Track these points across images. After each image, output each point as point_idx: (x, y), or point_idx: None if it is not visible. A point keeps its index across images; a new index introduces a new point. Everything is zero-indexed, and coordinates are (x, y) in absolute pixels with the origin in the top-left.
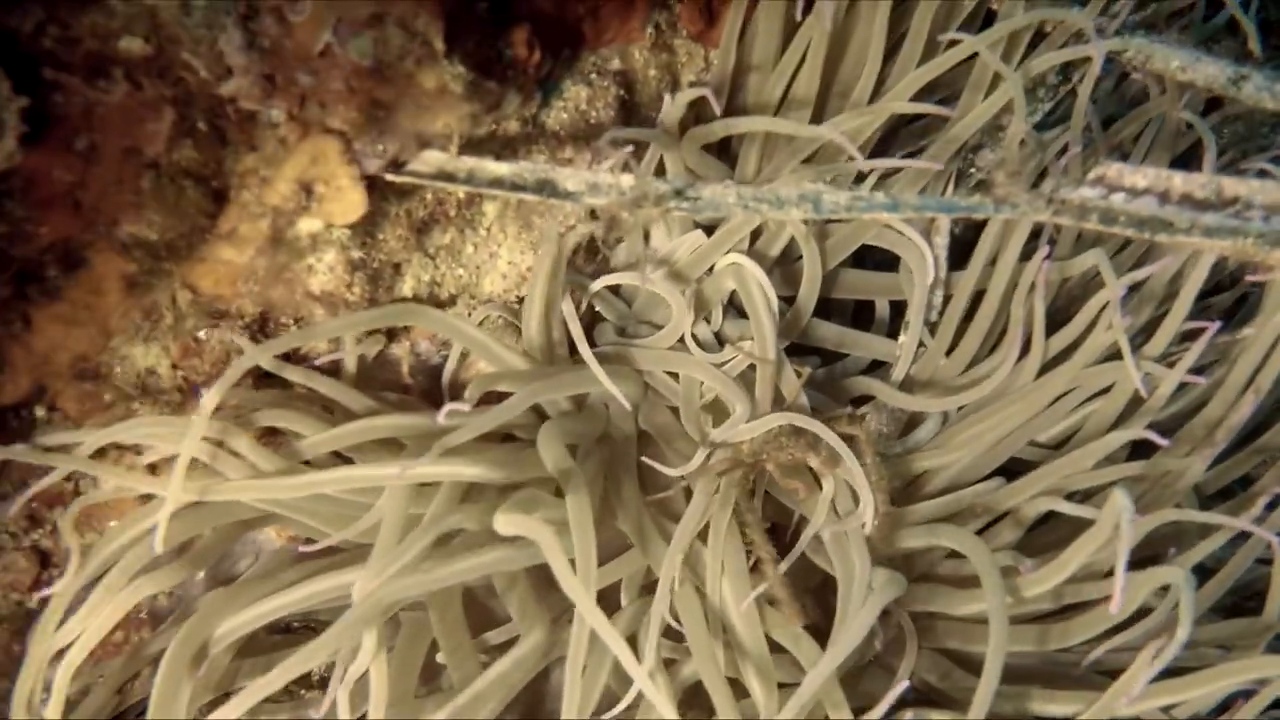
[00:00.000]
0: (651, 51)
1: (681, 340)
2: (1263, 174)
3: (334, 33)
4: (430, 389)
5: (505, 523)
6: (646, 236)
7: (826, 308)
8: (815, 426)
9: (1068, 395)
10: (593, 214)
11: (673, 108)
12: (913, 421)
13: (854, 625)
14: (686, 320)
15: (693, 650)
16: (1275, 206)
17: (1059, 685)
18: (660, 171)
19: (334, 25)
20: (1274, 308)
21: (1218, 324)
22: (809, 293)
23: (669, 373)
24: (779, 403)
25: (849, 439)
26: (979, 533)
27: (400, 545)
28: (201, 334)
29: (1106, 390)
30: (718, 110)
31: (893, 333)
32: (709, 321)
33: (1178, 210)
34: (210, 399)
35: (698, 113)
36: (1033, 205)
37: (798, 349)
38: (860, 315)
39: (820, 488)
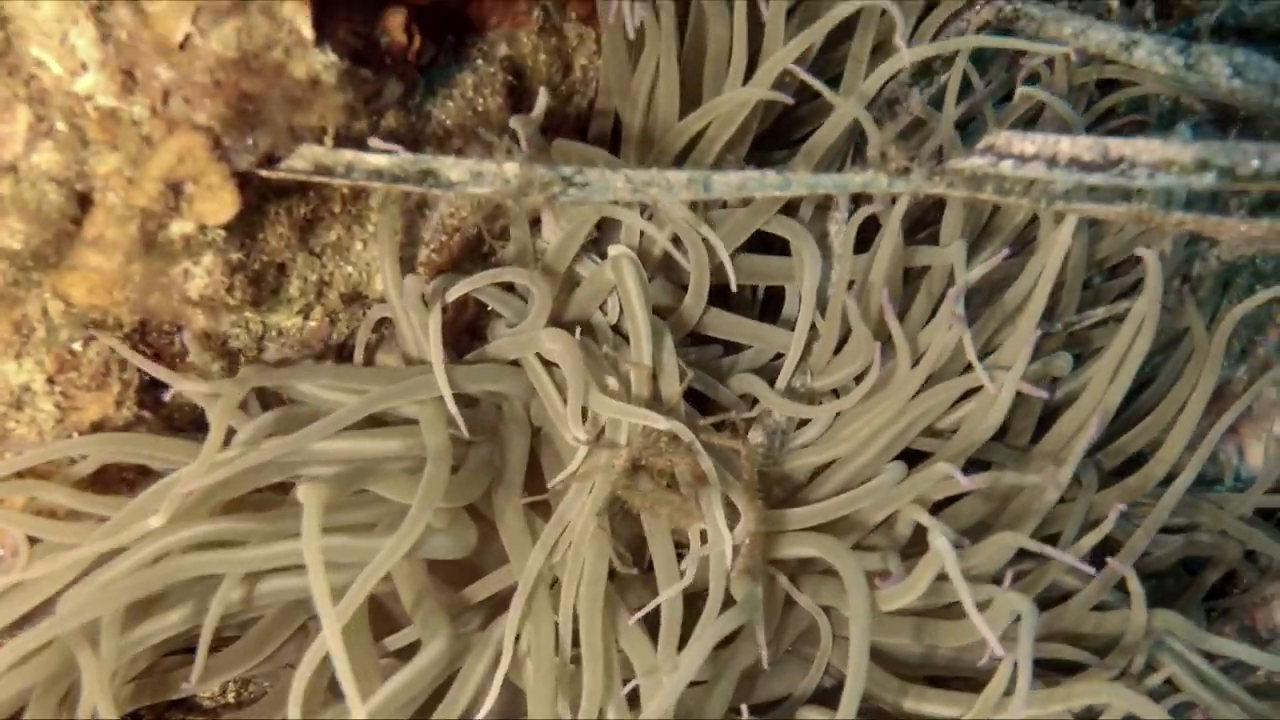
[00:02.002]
0: (540, 36)
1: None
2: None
3: (194, 22)
4: None
5: (304, 491)
6: (535, 224)
7: (731, 295)
8: (687, 436)
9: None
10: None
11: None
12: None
13: (688, 658)
14: (545, 312)
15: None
16: (1159, 164)
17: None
18: None
19: (193, 14)
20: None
21: (1039, 332)
22: (699, 284)
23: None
24: (658, 405)
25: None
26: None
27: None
28: (77, 346)
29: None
30: (540, 108)
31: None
32: (605, 313)
33: (1066, 173)
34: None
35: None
36: (926, 178)
37: (702, 338)
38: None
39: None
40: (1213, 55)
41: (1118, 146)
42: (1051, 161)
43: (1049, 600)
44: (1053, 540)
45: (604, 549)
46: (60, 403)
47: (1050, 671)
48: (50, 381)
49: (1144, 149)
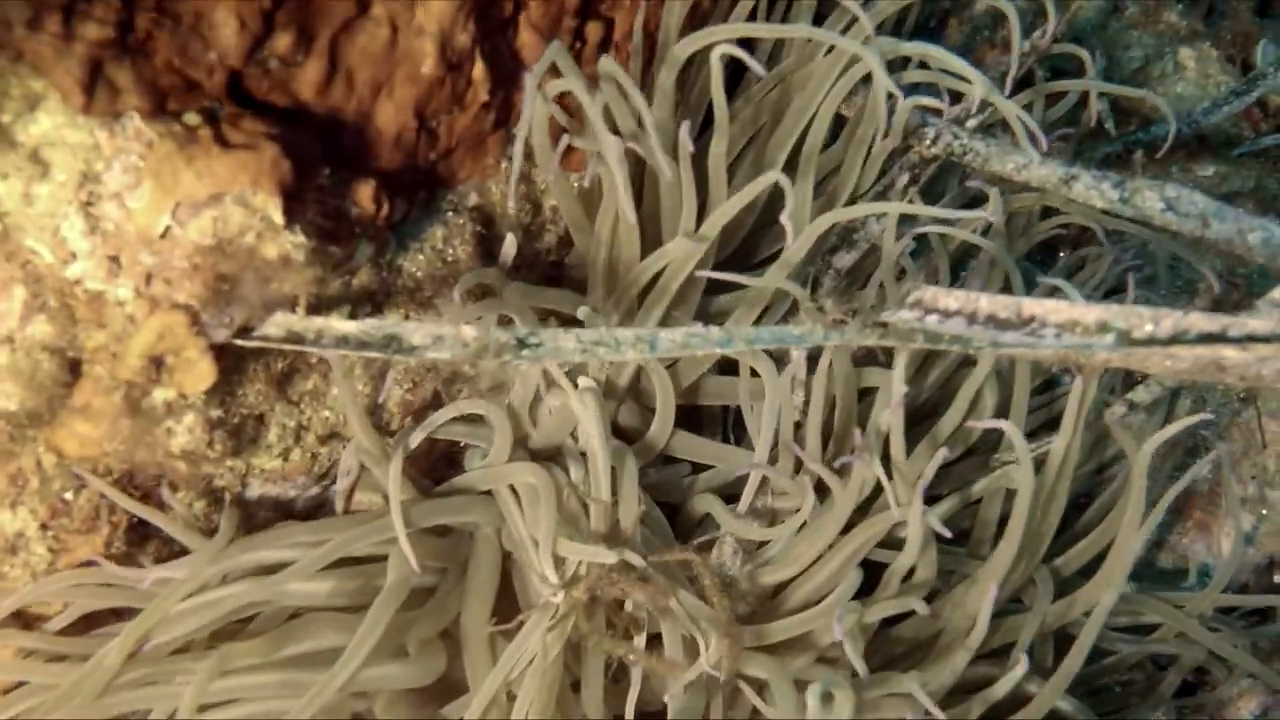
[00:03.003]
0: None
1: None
2: (1056, 291)
3: (173, 215)
4: None
5: None
6: None
7: (698, 416)
8: (639, 563)
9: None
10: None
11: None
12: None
13: None
14: (507, 445)
15: None
16: (1066, 324)
17: None
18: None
19: (173, 209)
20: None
21: (944, 451)
22: (664, 416)
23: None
24: (617, 533)
25: (684, 564)
26: None
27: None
28: (68, 495)
29: None
30: (507, 254)
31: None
32: (576, 439)
33: (983, 330)
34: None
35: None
36: (861, 331)
37: (671, 458)
38: None
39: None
40: (1146, 190)
41: (1030, 306)
42: (972, 317)
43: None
44: (1008, 648)
45: (555, 679)
46: (53, 546)
47: None
48: (43, 528)
49: (1052, 310)
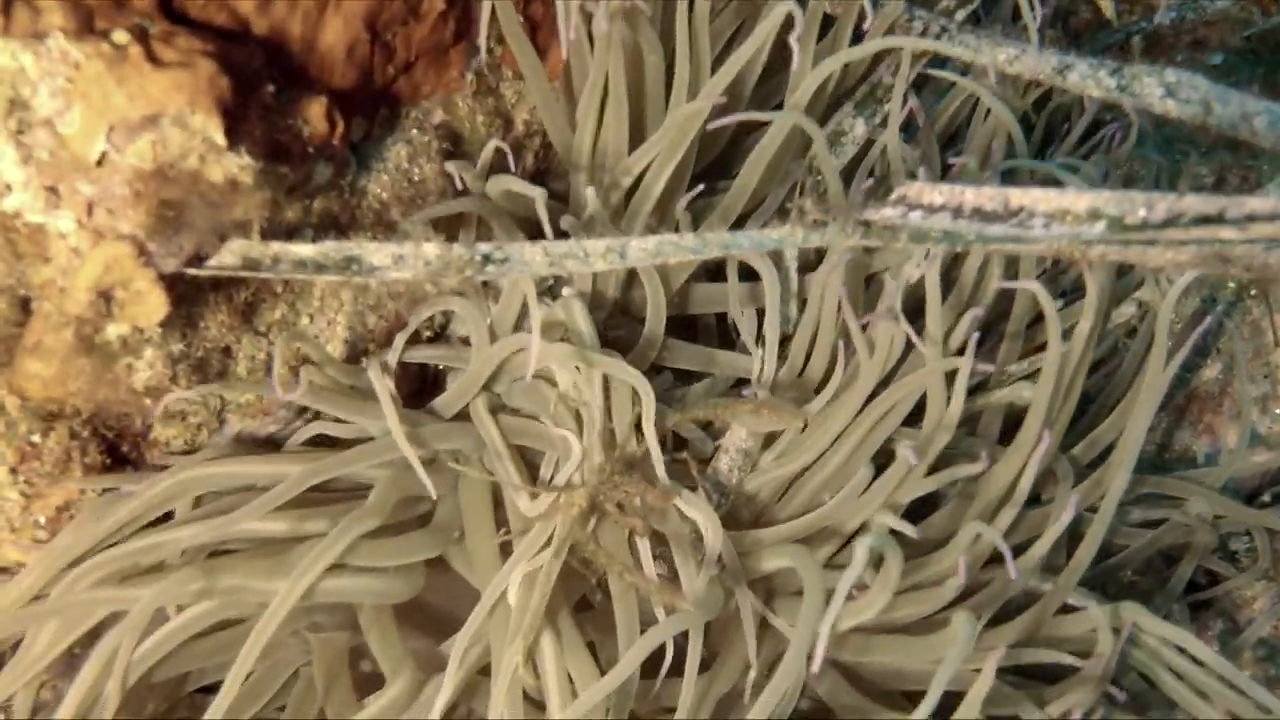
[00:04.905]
0: (476, 98)
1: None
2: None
3: (109, 140)
4: None
5: None
6: None
7: (691, 325)
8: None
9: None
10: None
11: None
12: (771, 437)
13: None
14: (483, 330)
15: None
16: (1055, 213)
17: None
18: (487, 231)
19: (107, 132)
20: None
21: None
22: (655, 320)
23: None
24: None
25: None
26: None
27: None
28: (35, 438)
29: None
30: (484, 160)
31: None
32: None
33: (969, 224)
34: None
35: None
36: (842, 229)
37: (661, 368)
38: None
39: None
40: (1145, 76)
41: (1018, 197)
42: (957, 211)
43: (1022, 604)
44: (1032, 541)
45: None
46: (25, 490)
47: (1030, 680)
48: (13, 472)
49: (1041, 199)
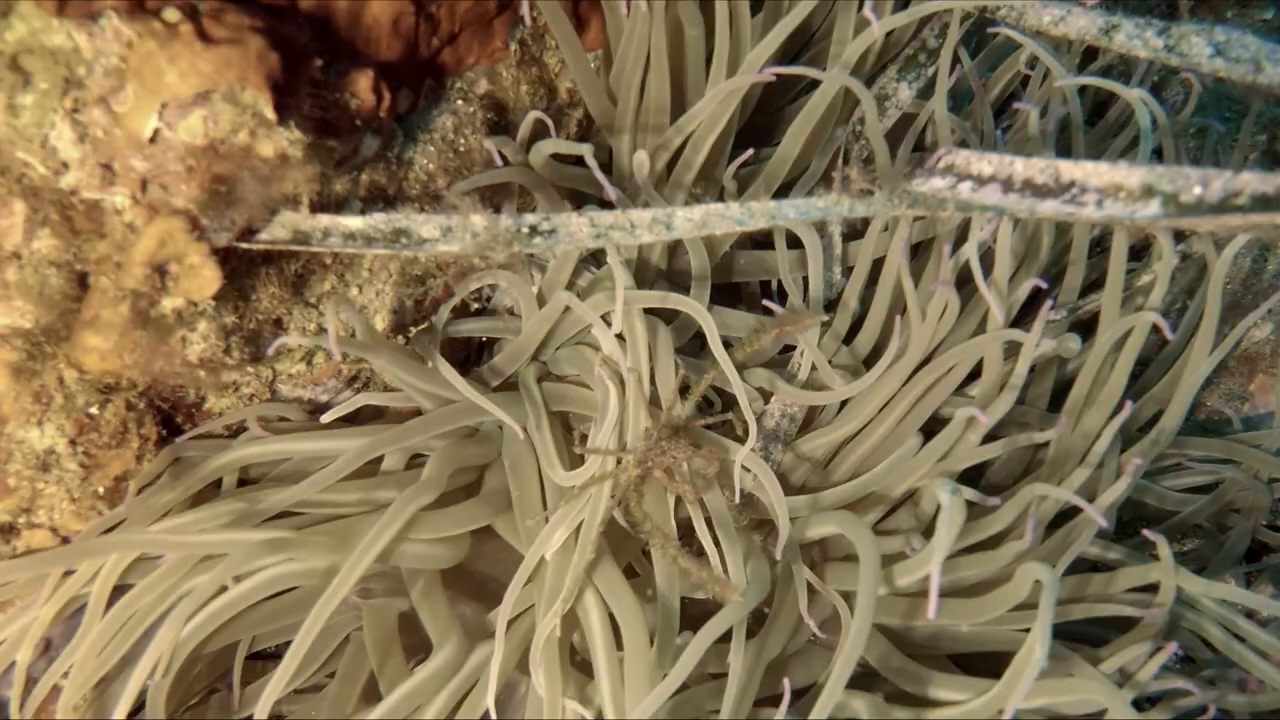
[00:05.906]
0: (519, 68)
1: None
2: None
3: (161, 117)
4: None
5: None
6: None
7: (735, 292)
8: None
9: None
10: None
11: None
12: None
13: (695, 644)
14: (531, 298)
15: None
16: (1108, 188)
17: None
18: (529, 203)
19: (159, 110)
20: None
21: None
22: (701, 288)
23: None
24: (656, 406)
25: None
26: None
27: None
28: (94, 410)
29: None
30: (525, 130)
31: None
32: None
33: (1018, 198)
34: None
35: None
36: (889, 200)
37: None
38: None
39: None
40: (1193, 35)
41: (1069, 170)
42: (1007, 183)
43: (1074, 568)
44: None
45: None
46: (84, 461)
47: (1080, 643)
48: (72, 444)
49: (1093, 173)
